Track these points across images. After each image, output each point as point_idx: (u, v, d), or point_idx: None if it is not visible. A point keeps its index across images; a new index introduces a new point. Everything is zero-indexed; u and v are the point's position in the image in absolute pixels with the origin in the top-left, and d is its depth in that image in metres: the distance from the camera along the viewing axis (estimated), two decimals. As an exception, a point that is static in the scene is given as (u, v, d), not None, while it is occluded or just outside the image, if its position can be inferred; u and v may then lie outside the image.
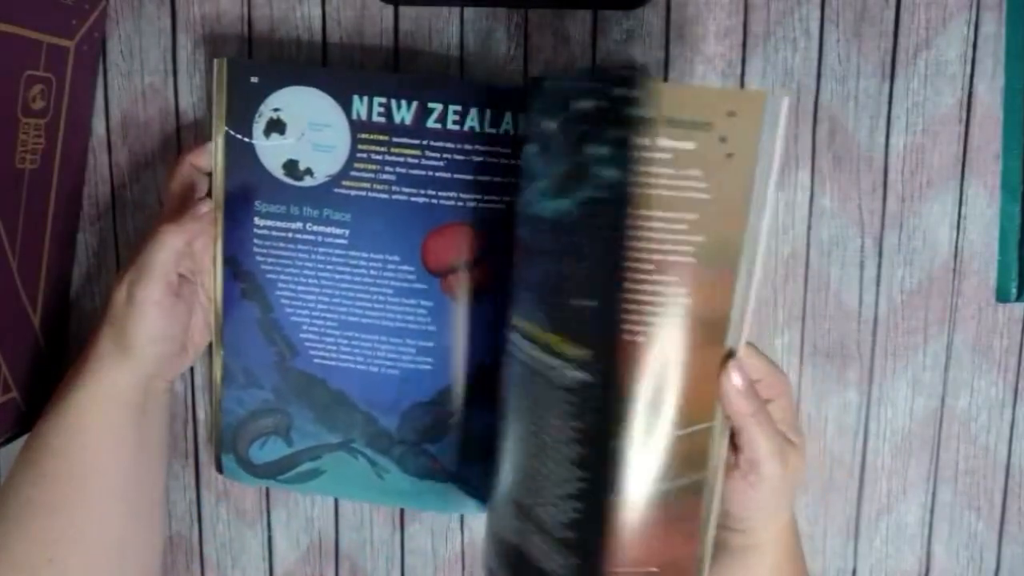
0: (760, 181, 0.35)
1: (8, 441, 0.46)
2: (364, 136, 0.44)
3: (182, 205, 0.44)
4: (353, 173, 0.44)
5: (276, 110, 0.44)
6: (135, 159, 0.50)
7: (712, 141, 0.35)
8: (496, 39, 0.48)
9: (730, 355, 0.37)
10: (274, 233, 0.45)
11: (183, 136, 0.50)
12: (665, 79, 0.47)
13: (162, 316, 0.42)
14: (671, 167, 0.35)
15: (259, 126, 0.44)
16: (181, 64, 0.49)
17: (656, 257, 0.36)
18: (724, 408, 0.37)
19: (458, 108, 0.43)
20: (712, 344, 0.37)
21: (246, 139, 0.44)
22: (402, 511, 0.52)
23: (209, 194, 0.46)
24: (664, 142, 0.35)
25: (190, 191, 0.45)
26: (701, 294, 0.36)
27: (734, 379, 0.37)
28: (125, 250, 0.51)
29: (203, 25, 0.49)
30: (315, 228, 0.45)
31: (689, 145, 0.35)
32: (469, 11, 0.48)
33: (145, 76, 0.49)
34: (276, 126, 0.44)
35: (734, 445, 0.39)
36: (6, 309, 0.44)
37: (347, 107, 0.44)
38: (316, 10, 0.48)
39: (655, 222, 0.35)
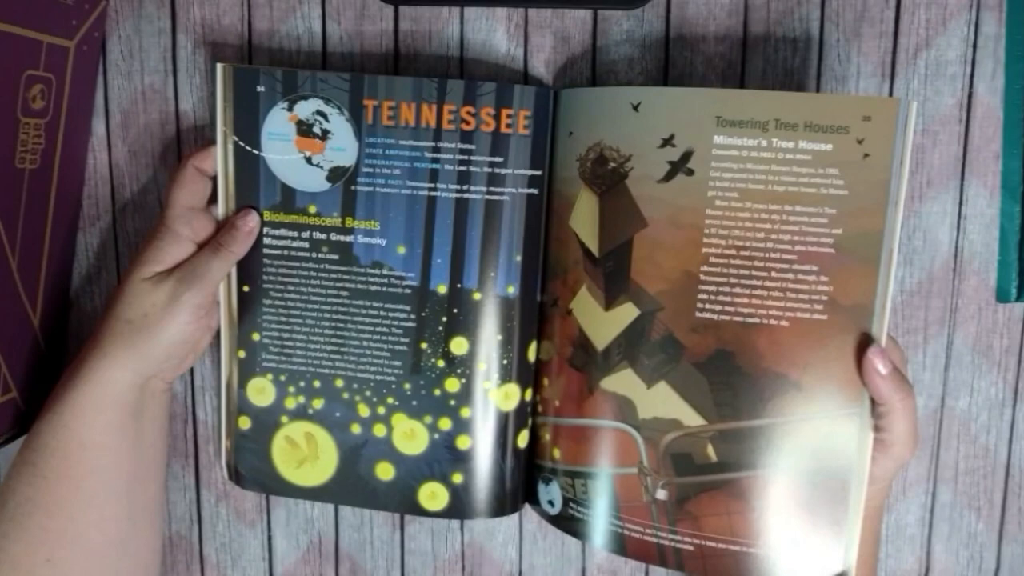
0: (895, 178, 0.39)
1: (8, 441, 0.46)
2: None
3: (190, 209, 0.44)
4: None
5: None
6: (135, 159, 0.50)
7: (849, 143, 0.39)
8: (496, 39, 0.48)
9: (871, 342, 0.39)
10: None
11: (183, 136, 0.50)
12: (665, 79, 0.47)
13: (195, 321, 0.44)
14: (810, 167, 0.39)
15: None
16: (181, 64, 0.49)
17: (798, 248, 0.39)
18: (870, 392, 0.39)
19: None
20: (853, 332, 0.39)
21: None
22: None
23: (214, 199, 0.46)
24: (804, 144, 0.39)
25: (194, 194, 0.45)
26: (841, 283, 0.39)
27: (878, 366, 0.38)
28: (125, 250, 0.51)
29: (203, 25, 0.49)
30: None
31: (827, 147, 0.39)
32: (469, 11, 0.48)
33: (145, 76, 0.49)
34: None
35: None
36: (6, 309, 0.44)
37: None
38: (316, 10, 0.48)
39: (797, 216, 0.39)
